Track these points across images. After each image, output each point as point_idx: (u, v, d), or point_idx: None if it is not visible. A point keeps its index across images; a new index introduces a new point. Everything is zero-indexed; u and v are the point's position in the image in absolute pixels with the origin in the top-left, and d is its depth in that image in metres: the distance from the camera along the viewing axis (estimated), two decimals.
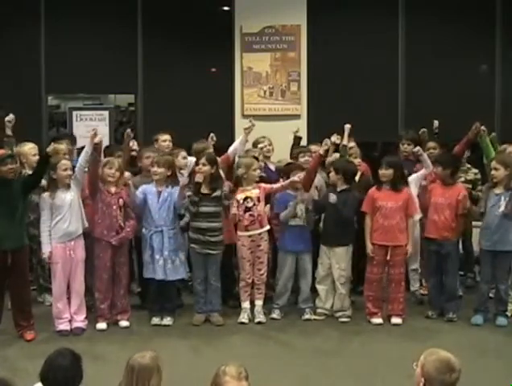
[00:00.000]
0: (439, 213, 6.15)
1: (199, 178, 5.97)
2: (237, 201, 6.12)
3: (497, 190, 6.01)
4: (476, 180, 6.99)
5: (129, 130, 6.76)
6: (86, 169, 5.95)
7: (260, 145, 7.01)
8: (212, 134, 6.84)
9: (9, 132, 6.59)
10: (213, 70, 9.48)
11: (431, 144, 6.89)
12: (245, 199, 6.12)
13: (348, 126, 6.91)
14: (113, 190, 5.97)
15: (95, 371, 4.59)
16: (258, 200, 6.14)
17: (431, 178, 6.48)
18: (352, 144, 6.92)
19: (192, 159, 6.52)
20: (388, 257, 6.05)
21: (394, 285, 6.13)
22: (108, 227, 5.92)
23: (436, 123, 7.01)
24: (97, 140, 5.83)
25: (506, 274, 6.15)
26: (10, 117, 6.56)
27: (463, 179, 6.79)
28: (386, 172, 6.10)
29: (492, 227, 6.02)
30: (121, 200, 5.96)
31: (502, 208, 5.96)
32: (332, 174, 6.25)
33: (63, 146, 6.49)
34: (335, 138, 6.49)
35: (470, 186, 6.80)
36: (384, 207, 6.06)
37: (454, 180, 6.30)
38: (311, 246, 6.28)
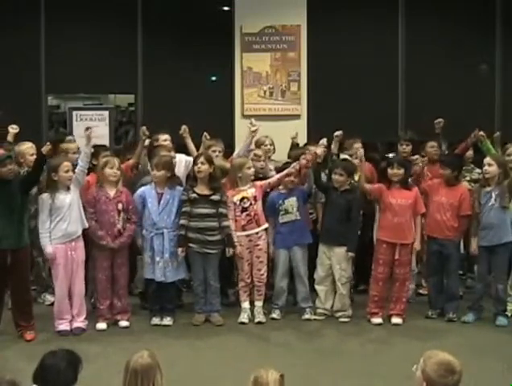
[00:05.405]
0: (442, 213, 6.16)
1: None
2: (234, 203, 6.11)
3: (488, 188, 6.06)
4: (480, 180, 6.99)
5: (144, 128, 6.56)
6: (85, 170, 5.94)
7: (262, 147, 6.97)
8: (205, 133, 6.85)
9: (10, 138, 6.62)
10: (213, 78, 9.50)
11: (431, 143, 6.88)
12: (242, 199, 6.12)
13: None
14: (111, 194, 5.93)
15: (95, 371, 4.60)
16: (255, 199, 6.13)
17: (428, 178, 6.50)
18: (358, 144, 6.78)
19: (190, 159, 6.51)
20: (397, 256, 6.06)
21: (399, 285, 6.13)
22: (106, 232, 5.90)
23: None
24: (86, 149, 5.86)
25: (505, 273, 6.16)
26: (14, 126, 6.65)
27: (468, 178, 6.80)
28: (397, 171, 6.09)
29: (487, 224, 6.05)
30: (120, 204, 5.93)
31: (493, 201, 6.00)
32: (338, 176, 6.14)
33: (73, 145, 6.49)
34: (339, 133, 6.46)
35: (474, 184, 6.80)
36: (394, 204, 6.06)
37: (458, 180, 6.31)
38: (304, 239, 6.24)
